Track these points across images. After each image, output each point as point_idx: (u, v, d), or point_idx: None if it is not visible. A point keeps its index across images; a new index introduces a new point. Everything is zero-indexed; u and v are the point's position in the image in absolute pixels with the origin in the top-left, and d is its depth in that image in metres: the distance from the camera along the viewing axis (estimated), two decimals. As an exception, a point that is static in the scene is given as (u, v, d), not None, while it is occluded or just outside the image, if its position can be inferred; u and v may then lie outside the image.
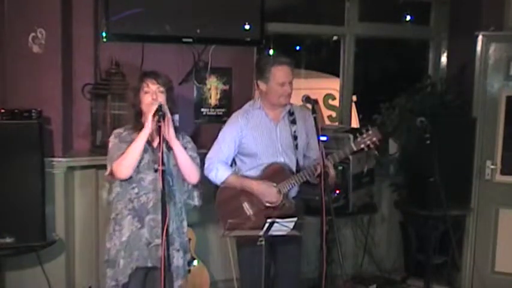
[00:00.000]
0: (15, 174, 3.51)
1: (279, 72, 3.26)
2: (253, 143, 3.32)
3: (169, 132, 2.88)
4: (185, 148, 3.01)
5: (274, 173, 3.31)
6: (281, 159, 3.33)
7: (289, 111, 3.39)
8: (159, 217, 2.84)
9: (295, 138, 3.34)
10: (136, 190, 2.96)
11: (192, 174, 3.01)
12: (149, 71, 3.05)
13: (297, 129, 3.36)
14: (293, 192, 3.38)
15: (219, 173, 3.30)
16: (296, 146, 3.33)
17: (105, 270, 3.03)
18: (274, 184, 3.28)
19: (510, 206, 4.49)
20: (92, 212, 4.03)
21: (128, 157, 2.88)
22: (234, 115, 3.43)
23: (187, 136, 3.14)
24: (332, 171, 3.24)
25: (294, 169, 3.36)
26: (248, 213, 3.31)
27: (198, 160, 3.08)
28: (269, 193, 3.27)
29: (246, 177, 3.33)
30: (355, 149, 3.25)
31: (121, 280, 2.96)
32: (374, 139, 3.22)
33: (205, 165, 3.32)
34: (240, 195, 3.31)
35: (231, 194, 3.32)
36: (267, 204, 3.28)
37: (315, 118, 3.17)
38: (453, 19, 5.26)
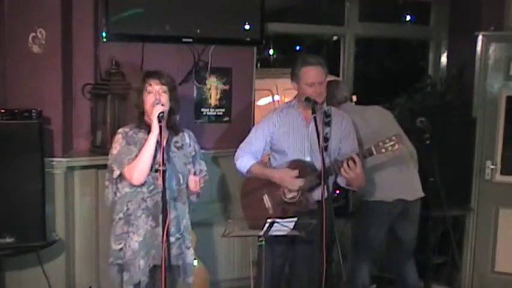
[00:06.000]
0: (15, 174, 3.50)
1: (308, 73, 3.29)
2: (283, 140, 3.40)
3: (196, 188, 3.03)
4: (197, 169, 3.13)
5: (295, 170, 3.34)
6: (307, 159, 3.36)
7: (325, 112, 3.40)
8: (173, 215, 2.96)
9: (325, 140, 3.35)
10: (149, 189, 2.95)
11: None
12: (152, 71, 3.05)
13: (330, 131, 3.37)
14: (316, 195, 3.33)
15: (243, 162, 3.45)
16: (325, 148, 3.32)
17: (115, 273, 3.02)
18: (296, 172, 3.32)
19: (510, 206, 4.49)
20: (92, 211, 4.02)
21: (139, 164, 2.88)
22: (270, 111, 3.55)
23: (192, 134, 3.18)
24: (359, 169, 3.19)
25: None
26: (267, 205, 3.40)
27: (207, 175, 3.19)
28: (287, 178, 3.31)
29: (269, 167, 3.43)
30: (374, 153, 3.22)
31: (143, 280, 2.96)
32: (396, 146, 3.19)
33: (236, 154, 3.50)
34: (262, 188, 3.41)
35: (255, 186, 3.44)
36: (285, 199, 3.35)
37: (314, 118, 3.18)
38: (453, 19, 5.27)
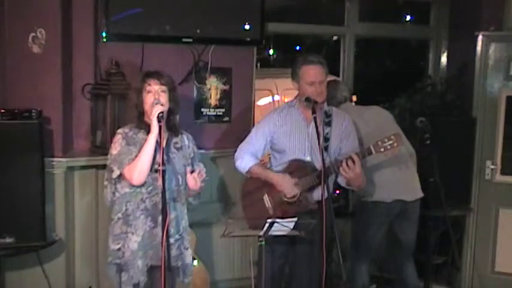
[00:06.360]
0: (15, 174, 3.50)
1: (308, 72, 3.30)
2: (284, 139, 3.39)
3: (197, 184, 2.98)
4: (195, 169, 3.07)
5: (295, 169, 3.35)
6: (308, 158, 3.36)
7: (325, 112, 3.40)
8: (172, 216, 2.96)
9: (326, 140, 3.35)
10: (148, 190, 2.95)
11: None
12: (151, 71, 3.06)
13: (330, 131, 3.37)
14: (316, 195, 3.33)
15: (243, 163, 3.44)
16: (326, 148, 3.32)
17: (113, 272, 3.02)
18: (296, 180, 3.31)
19: (510, 206, 4.49)
20: (92, 212, 4.02)
21: (139, 164, 2.88)
22: (271, 111, 3.54)
23: (191, 136, 3.17)
24: (358, 169, 3.19)
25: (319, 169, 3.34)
26: (267, 205, 3.39)
27: (205, 173, 3.10)
28: (286, 184, 3.31)
29: (269, 169, 3.42)
30: (373, 152, 3.22)
31: (142, 280, 2.96)
32: (395, 145, 3.20)
33: (235, 154, 3.49)
34: (262, 188, 3.40)
35: (255, 186, 3.43)
36: (285, 199, 3.34)
37: (314, 118, 3.18)
38: (453, 19, 5.27)
